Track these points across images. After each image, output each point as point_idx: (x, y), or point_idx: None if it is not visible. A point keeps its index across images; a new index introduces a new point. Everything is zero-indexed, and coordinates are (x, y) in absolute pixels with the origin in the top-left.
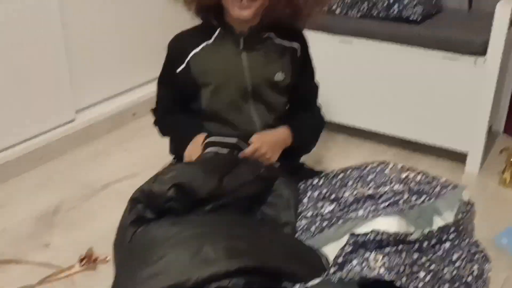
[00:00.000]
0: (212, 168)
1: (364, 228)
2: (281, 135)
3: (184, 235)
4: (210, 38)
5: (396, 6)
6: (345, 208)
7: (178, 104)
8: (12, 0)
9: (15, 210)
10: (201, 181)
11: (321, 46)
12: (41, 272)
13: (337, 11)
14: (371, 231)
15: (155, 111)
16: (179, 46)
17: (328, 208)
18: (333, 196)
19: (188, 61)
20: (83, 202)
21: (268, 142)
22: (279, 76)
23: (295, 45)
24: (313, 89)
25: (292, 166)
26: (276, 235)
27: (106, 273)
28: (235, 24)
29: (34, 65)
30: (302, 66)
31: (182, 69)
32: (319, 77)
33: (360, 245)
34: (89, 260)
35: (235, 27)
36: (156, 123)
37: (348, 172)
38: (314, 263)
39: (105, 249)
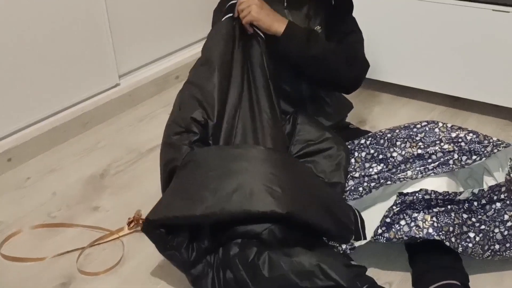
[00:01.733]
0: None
1: (412, 188)
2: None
3: (228, 169)
4: None
5: None
6: (394, 168)
7: None
8: None
9: (64, 174)
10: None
11: (365, 3)
12: (91, 234)
13: None
14: (420, 190)
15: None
16: (224, 10)
17: (376, 168)
18: (381, 156)
19: None
20: (129, 165)
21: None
22: (318, 30)
23: None
24: (350, 40)
25: (338, 126)
26: (320, 189)
27: None
28: None
29: (77, 32)
30: (336, 15)
31: None
32: (364, 36)
33: (408, 205)
34: (137, 223)
35: None
36: None
37: (396, 131)
38: (348, 225)
39: None
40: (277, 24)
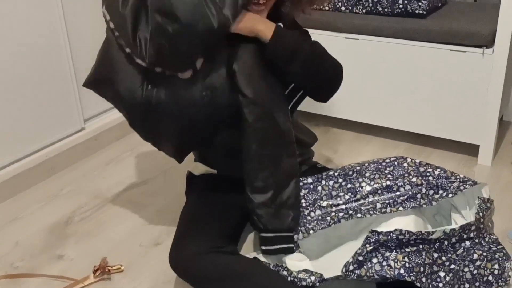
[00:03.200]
0: None
1: (385, 228)
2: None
3: None
4: None
5: (401, 0)
6: (362, 199)
7: None
8: (15, 11)
9: (27, 222)
10: None
11: (327, 44)
12: (55, 285)
13: (342, 9)
14: (395, 230)
15: None
16: None
17: (344, 198)
18: (349, 186)
19: None
20: (95, 211)
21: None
22: None
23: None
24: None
25: (304, 164)
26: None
27: (121, 282)
28: None
29: (41, 77)
30: None
31: None
32: None
33: (381, 243)
34: (103, 270)
35: None
36: None
37: (366, 165)
38: None
39: (119, 258)
40: (262, 26)
